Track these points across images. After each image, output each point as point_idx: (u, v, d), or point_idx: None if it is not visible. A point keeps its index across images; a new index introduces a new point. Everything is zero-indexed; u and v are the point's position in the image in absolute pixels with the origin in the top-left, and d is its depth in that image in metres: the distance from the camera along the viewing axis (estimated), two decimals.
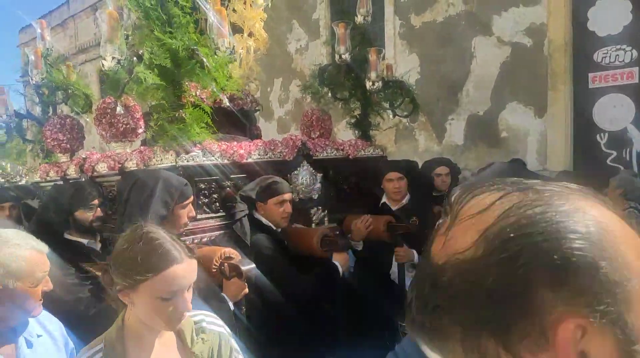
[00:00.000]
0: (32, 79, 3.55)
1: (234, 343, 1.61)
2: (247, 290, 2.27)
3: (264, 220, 2.74)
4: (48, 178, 3.69)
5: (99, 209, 2.59)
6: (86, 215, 2.54)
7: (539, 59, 6.76)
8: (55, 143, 3.48)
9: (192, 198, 2.45)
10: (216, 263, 2.29)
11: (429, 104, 7.84)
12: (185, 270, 1.36)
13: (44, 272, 1.62)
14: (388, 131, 8.14)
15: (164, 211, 2.18)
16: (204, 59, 2.40)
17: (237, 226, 2.59)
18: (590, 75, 6.56)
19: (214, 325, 1.58)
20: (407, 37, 7.83)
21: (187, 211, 2.37)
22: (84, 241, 2.56)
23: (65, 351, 1.79)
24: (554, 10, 6.56)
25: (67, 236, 2.56)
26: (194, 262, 1.41)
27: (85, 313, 2.15)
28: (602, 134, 6.52)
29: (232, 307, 2.23)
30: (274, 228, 2.75)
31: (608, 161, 6.46)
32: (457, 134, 7.66)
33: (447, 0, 7.46)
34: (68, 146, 3.52)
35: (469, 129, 7.54)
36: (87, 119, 3.65)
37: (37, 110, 3.81)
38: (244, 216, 2.65)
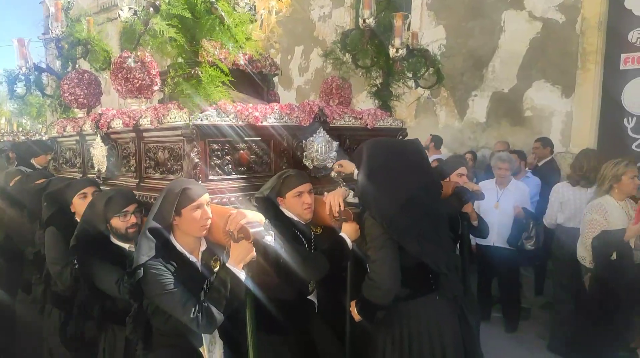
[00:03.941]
0: (52, 32, 3.52)
1: None
2: (254, 254, 2.20)
3: (286, 212, 2.67)
4: (65, 133, 3.70)
5: (133, 216, 2.60)
6: (121, 223, 2.57)
7: (570, 36, 6.51)
8: (73, 98, 3.47)
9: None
10: (225, 224, 2.26)
11: (452, 79, 7.64)
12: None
13: None
14: (409, 104, 7.99)
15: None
16: (223, 15, 2.33)
17: None
18: (623, 56, 6.31)
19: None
20: (435, 8, 7.59)
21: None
22: (125, 246, 2.62)
23: None
24: None
25: (114, 241, 2.65)
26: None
27: None
28: (630, 118, 6.31)
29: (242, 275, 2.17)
30: (298, 220, 2.68)
31: (633, 147, 6.27)
32: (480, 111, 7.49)
33: None
34: (85, 101, 3.51)
35: (492, 106, 7.36)
36: (106, 77, 3.62)
37: (57, 65, 3.80)
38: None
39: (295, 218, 2.68)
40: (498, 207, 5.06)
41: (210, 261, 2.37)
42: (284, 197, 2.66)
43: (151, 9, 2.38)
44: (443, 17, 7.51)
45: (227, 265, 2.16)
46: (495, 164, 5.13)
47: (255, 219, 2.25)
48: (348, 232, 2.62)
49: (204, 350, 2.30)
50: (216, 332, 2.31)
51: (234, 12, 2.42)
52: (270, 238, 2.26)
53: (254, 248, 2.25)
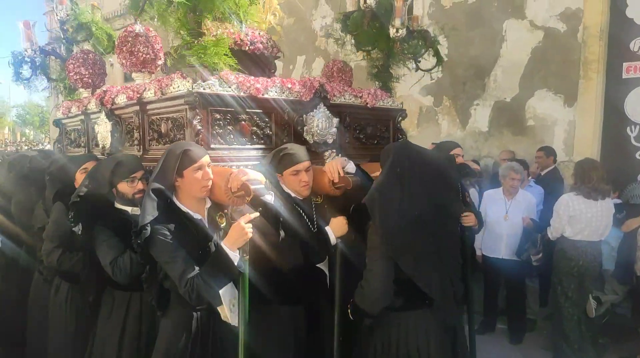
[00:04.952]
0: (56, 15, 3.60)
1: None
2: (249, 237, 2.18)
3: (285, 188, 2.67)
4: (70, 114, 3.74)
5: (140, 182, 2.62)
6: (128, 188, 2.60)
7: (572, 45, 6.57)
8: (78, 77, 3.52)
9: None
10: (226, 184, 2.26)
11: (454, 88, 7.71)
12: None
13: None
14: (410, 113, 8.02)
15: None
16: None
17: None
18: (625, 65, 6.35)
19: None
20: (436, 17, 7.70)
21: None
22: (128, 209, 2.63)
23: None
24: None
25: (117, 205, 2.66)
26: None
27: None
28: (632, 127, 6.32)
29: (236, 256, 2.17)
30: (296, 196, 2.69)
31: (637, 155, 6.25)
32: (482, 120, 7.51)
33: None
34: (90, 80, 3.55)
35: (494, 115, 7.38)
36: (111, 60, 3.67)
37: (62, 48, 3.86)
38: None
39: (293, 194, 2.68)
40: (507, 219, 4.93)
41: (216, 218, 2.39)
42: (282, 174, 2.66)
43: None
44: (450, 26, 7.60)
45: (222, 244, 2.17)
46: (507, 174, 4.98)
47: (256, 177, 2.27)
48: (334, 227, 2.63)
49: (223, 309, 2.29)
50: (236, 293, 2.31)
51: None
52: (270, 197, 2.27)
53: (254, 208, 2.26)
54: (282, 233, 2.42)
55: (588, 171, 4.42)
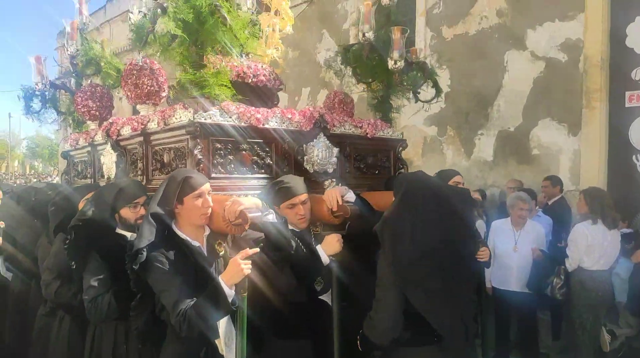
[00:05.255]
0: (67, 50, 3.73)
1: None
2: (245, 273, 2.13)
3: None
4: (77, 146, 3.82)
5: (142, 208, 2.65)
6: (130, 213, 2.63)
7: (574, 75, 6.64)
8: (85, 110, 3.62)
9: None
10: (224, 211, 2.29)
11: (457, 118, 7.78)
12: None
13: None
14: (415, 143, 8.09)
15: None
16: (226, 16, 2.47)
17: None
18: (627, 94, 6.39)
19: None
20: (438, 49, 7.84)
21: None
22: (128, 234, 2.65)
23: None
24: (591, 26, 6.47)
25: (118, 231, 2.69)
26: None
27: None
28: (638, 156, 6.30)
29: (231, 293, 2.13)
30: (293, 228, 2.68)
31: None
32: (487, 149, 7.53)
33: (480, 13, 7.46)
34: (97, 113, 3.65)
35: (498, 144, 7.41)
36: (118, 94, 3.78)
37: (72, 82, 3.98)
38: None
39: (290, 227, 2.67)
40: (517, 250, 4.82)
41: (215, 245, 2.39)
42: (278, 207, 2.67)
43: (159, 10, 2.54)
44: (446, 58, 7.74)
45: (220, 278, 2.15)
46: (515, 204, 4.89)
47: (252, 205, 2.29)
48: (327, 245, 2.59)
49: (220, 342, 2.27)
50: (232, 327, 2.28)
51: (236, 12, 2.56)
52: (272, 216, 2.28)
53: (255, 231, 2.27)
54: (276, 253, 2.41)
55: (600, 199, 4.40)
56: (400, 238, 2.23)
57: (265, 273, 2.35)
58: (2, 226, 4.18)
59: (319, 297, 2.70)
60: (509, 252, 4.85)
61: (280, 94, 3.80)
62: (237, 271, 2.12)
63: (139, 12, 2.53)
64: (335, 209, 2.60)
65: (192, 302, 2.11)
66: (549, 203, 6.24)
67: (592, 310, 4.33)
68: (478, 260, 2.75)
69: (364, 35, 3.23)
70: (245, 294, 2.22)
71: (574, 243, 4.42)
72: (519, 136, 7.16)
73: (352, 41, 3.50)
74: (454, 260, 2.29)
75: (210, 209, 2.35)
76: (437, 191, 2.37)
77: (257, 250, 2.21)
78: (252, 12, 2.62)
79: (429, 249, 2.21)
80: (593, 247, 4.31)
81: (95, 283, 2.51)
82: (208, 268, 2.30)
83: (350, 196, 2.77)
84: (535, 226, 5.05)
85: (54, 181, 7.84)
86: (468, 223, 2.45)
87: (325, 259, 2.59)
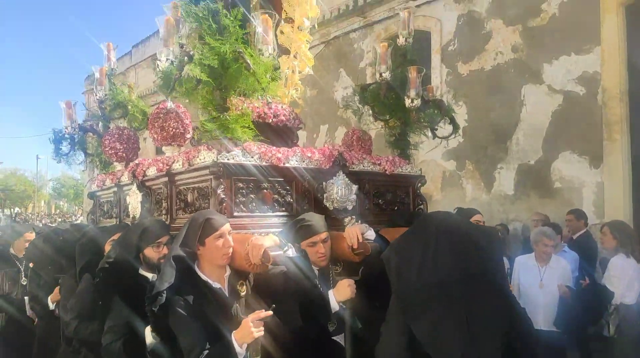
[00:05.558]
0: (96, 95, 3.91)
1: None
2: (256, 336, 2.14)
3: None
4: (104, 186, 3.95)
5: (165, 247, 2.72)
6: (154, 253, 2.71)
7: (593, 107, 6.63)
8: (113, 151, 3.75)
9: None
10: (247, 248, 2.33)
11: (476, 152, 7.78)
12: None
13: None
14: (434, 178, 8.08)
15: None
16: (249, 62, 2.58)
17: None
18: None
19: None
20: (454, 85, 7.93)
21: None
22: (150, 275, 2.71)
23: None
24: (608, 58, 6.50)
25: (141, 272, 2.76)
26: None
27: None
28: None
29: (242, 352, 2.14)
30: (313, 266, 2.70)
31: None
32: (507, 183, 7.48)
33: (495, 49, 7.56)
34: (124, 154, 3.78)
35: (519, 178, 7.36)
36: (145, 137, 3.91)
37: (99, 125, 4.15)
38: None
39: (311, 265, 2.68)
40: (543, 286, 4.68)
41: (237, 286, 2.42)
42: (300, 244, 2.69)
43: (186, 57, 2.68)
44: (462, 93, 7.81)
45: (232, 337, 2.17)
46: (539, 240, 4.78)
47: (271, 243, 2.34)
48: (339, 291, 2.55)
49: None
50: None
51: (259, 58, 2.67)
52: (291, 251, 2.31)
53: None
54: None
55: (629, 232, 4.33)
56: (407, 266, 2.12)
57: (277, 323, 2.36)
58: (30, 266, 4.30)
59: (332, 337, 2.67)
60: (535, 289, 4.72)
61: (299, 131, 3.90)
62: (248, 333, 2.14)
63: (167, 59, 2.66)
64: (355, 246, 2.62)
65: (206, 352, 2.14)
66: (574, 237, 6.11)
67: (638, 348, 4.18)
68: None
69: (381, 75, 3.33)
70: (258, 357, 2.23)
71: (616, 278, 4.29)
72: (540, 169, 7.11)
73: (369, 80, 3.61)
74: (474, 297, 2.13)
75: (231, 249, 2.39)
76: (454, 225, 2.23)
77: (270, 312, 2.21)
78: (274, 57, 2.73)
79: (437, 280, 2.06)
80: (632, 281, 4.20)
81: (111, 330, 2.58)
82: (229, 308, 2.31)
83: (370, 234, 2.80)
84: (561, 261, 4.94)
85: (79, 221, 8.02)
86: (493, 256, 2.35)
87: (334, 305, 2.54)
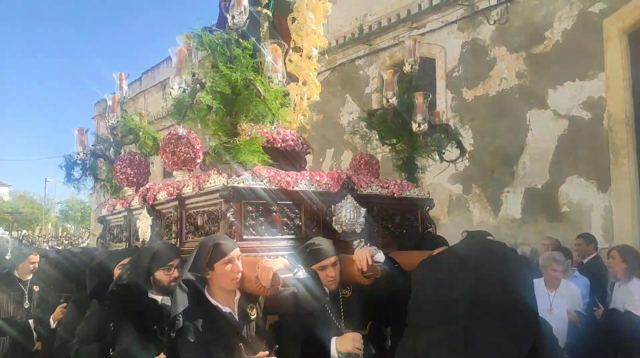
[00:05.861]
0: (108, 122, 4.00)
1: None
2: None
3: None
4: (114, 211, 3.99)
5: (176, 270, 2.74)
6: (164, 276, 2.72)
7: (598, 132, 6.66)
8: (124, 176, 3.82)
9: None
10: (256, 271, 2.35)
11: (482, 176, 7.79)
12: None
13: None
14: (441, 201, 8.08)
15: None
16: (259, 89, 2.65)
17: None
18: None
19: None
20: (459, 110, 8.00)
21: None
22: (159, 298, 2.73)
23: None
24: (612, 84, 6.57)
25: (150, 295, 2.77)
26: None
27: None
28: None
29: None
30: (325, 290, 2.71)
31: None
32: (514, 207, 7.47)
33: (499, 75, 7.66)
34: (135, 179, 3.84)
35: (526, 202, 7.35)
36: (152, 161, 3.98)
37: (110, 151, 4.22)
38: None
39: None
40: (552, 312, 4.62)
41: (247, 309, 2.43)
42: (310, 268, 2.70)
43: (198, 85, 2.76)
44: (468, 118, 7.86)
45: None
46: (549, 265, 4.75)
47: (280, 266, 2.36)
48: (342, 341, 2.54)
49: None
50: None
51: (269, 85, 2.75)
52: (302, 272, 2.33)
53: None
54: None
55: (637, 255, 4.31)
56: (424, 282, 2.10)
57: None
58: (36, 290, 4.32)
59: None
60: (544, 314, 4.58)
61: (306, 156, 3.95)
62: None
63: (179, 87, 2.73)
64: (365, 269, 2.63)
65: None
66: (584, 261, 6.06)
67: None
68: None
69: (388, 100, 3.40)
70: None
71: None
72: (547, 193, 7.10)
73: (374, 105, 3.68)
74: (480, 322, 2.15)
75: (240, 274, 2.41)
76: (485, 251, 2.22)
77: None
78: (283, 85, 2.80)
79: (445, 300, 2.11)
80: None
81: (120, 354, 2.57)
82: (239, 332, 2.33)
83: (380, 257, 2.81)
84: (570, 286, 4.88)
85: (85, 243, 8.05)
86: (516, 289, 2.27)
87: (334, 354, 2.53)
